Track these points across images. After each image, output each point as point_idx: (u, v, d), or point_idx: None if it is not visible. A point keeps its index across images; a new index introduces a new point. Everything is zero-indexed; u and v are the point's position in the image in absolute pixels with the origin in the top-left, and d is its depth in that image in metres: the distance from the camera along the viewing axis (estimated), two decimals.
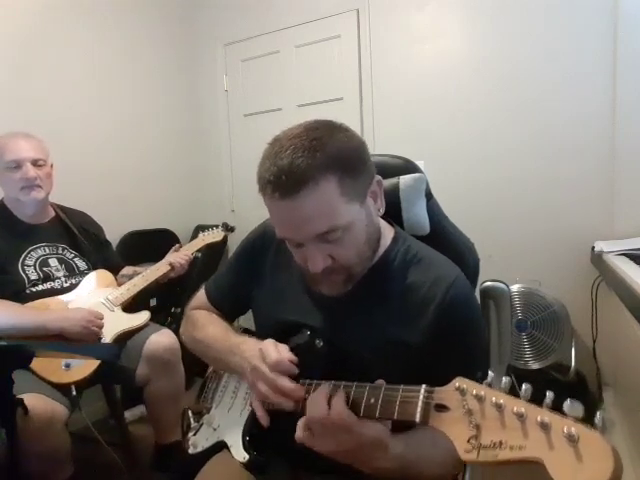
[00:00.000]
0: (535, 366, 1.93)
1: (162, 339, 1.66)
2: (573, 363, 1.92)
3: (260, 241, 0.96)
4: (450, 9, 2.28)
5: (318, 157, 0.68)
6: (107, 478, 1.75)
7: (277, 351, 0.77)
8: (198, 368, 1.10)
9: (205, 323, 0.99)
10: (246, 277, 0.98)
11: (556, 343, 1.92)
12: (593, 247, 1.88)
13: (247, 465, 0.83)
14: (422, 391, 0.59)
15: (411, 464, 0.68)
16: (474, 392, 0.52)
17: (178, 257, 1.80)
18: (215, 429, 0.94)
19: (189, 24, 3.00)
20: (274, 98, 2.79)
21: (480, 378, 0.54)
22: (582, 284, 2.00)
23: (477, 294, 1.04)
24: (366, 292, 0.82)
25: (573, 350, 1.94)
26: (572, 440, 0.42)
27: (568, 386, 1.89)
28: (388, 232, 0.87)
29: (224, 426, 0.91)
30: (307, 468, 0.85)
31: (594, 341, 2.01)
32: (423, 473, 0.71)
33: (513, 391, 0.50)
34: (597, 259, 1.79)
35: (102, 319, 1.56)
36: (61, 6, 2.31)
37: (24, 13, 2.17)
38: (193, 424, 1.01)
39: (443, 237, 1.00)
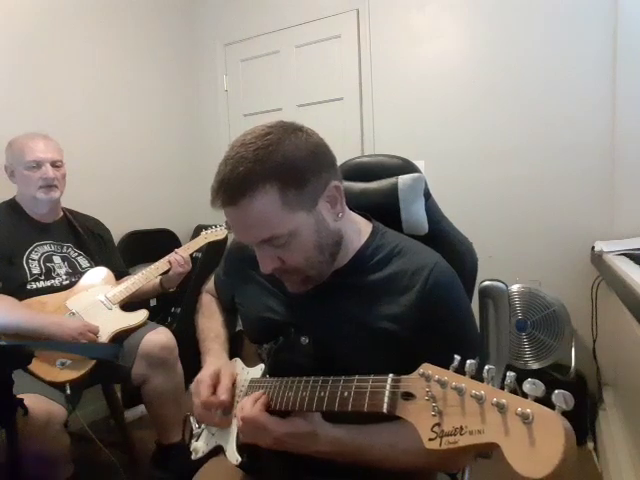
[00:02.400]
0: (535, 366, 1.93)
1: (158, 337, 1.66)
2: (573, 363, 1.92)
3: (239, 244, 0.98)
4: (450, 9, 2.28)
5: (258, 168, 0.70)
6: (107, 478, 1.75)
7: (209, 389, 0.87)
8: (198, 367, 1.10)
9: (205, 313, 1.10)
10: (231, 280, 1.03)
11: (556, 343, 1.92)
12: (593, 247, 1.88)
13: (240, 467, 0.84)
14: (389, 380, 0.59)
15: (359, 448, 0.72)
16: (437, 377, 0.51)
17: (177, 256, 1.81)
18: (213, 434, 0.94)
19: (189, 24, 3.01)
20: (274, 98, 2.79)
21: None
22: (582, 284, 2.00)
23: (476, 294, 1.04)
24: (345, 286, 0.82)
25: (573, 350, 1.94)
26: (526, 420, 0.41)
27: (568, 386, 1.88)
28: (365, 227, 0.88)
29: (220, 430, 0.92)
30: (305, 470, 0.85)
31: (594, 341, 2.01)
32: (387, 459, 0.73)
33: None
34: (597, 259, 1.79)
35: (97, 333, 1.55)
36: (62, 7, 2.31)
37: (25, 15, 2.17)
38: (195, 430, 1.01)
39: (442, 237, 1.00)
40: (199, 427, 1.01)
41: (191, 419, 1.04)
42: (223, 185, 0.72)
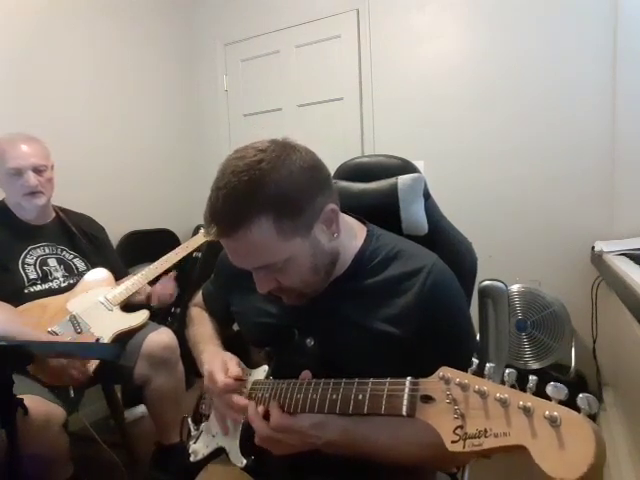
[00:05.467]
0: (535, 366, 1.93)
1: (160, 338, 1.66)
2: (573, 363, 1.92)
3: None
4: (450, 9, 2.28)
5: (252, 201, 0.68)
6: (107, 478, 1.75)
7: (223, 373, 0.85)
8: (198, 368, 1.11)
9: (195, 322, 1.10)
10: (225, 291, 1.02)
11: (556, 343, 1.92)
12: (593, 247, 1.88)
13: (245, 469, 0.84)
14: (407, 383, 0.58)
15: (366, 438, 0.71)
16: (457, 380, 0.51)
17: (157, 288, 1.80)
18: (214, 436, 0.93)
19: (189, 24, 3.01)
20: (274, 98, 2.79)
21: (469, 360, 0.54)
22: (582, 284, 2.00)
23: (475, 294, 1.04)
24: (344, 292, 0.82)
25: (573, 350, 1.94)
26: (554, 423, 0.42)
27: (568, 386, 1.88)
28: (360, 232, 0.87)
29: (222, 433, 0.91)
30: (308, 469, 0.85)
31: (594, 341, 2.01)
32: (391, 451, 0.72)
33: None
34: (597, 259, 1.79)
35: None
36: (62, 7, 2.31)
37: (25, 15, 2.17)
38: (193, 432, 1.01)
39: (441, 237, 1.00)
40: (197, 429, 1.00)
41: (189, 421, 1.04)
42: (216, 217, 0.71)
